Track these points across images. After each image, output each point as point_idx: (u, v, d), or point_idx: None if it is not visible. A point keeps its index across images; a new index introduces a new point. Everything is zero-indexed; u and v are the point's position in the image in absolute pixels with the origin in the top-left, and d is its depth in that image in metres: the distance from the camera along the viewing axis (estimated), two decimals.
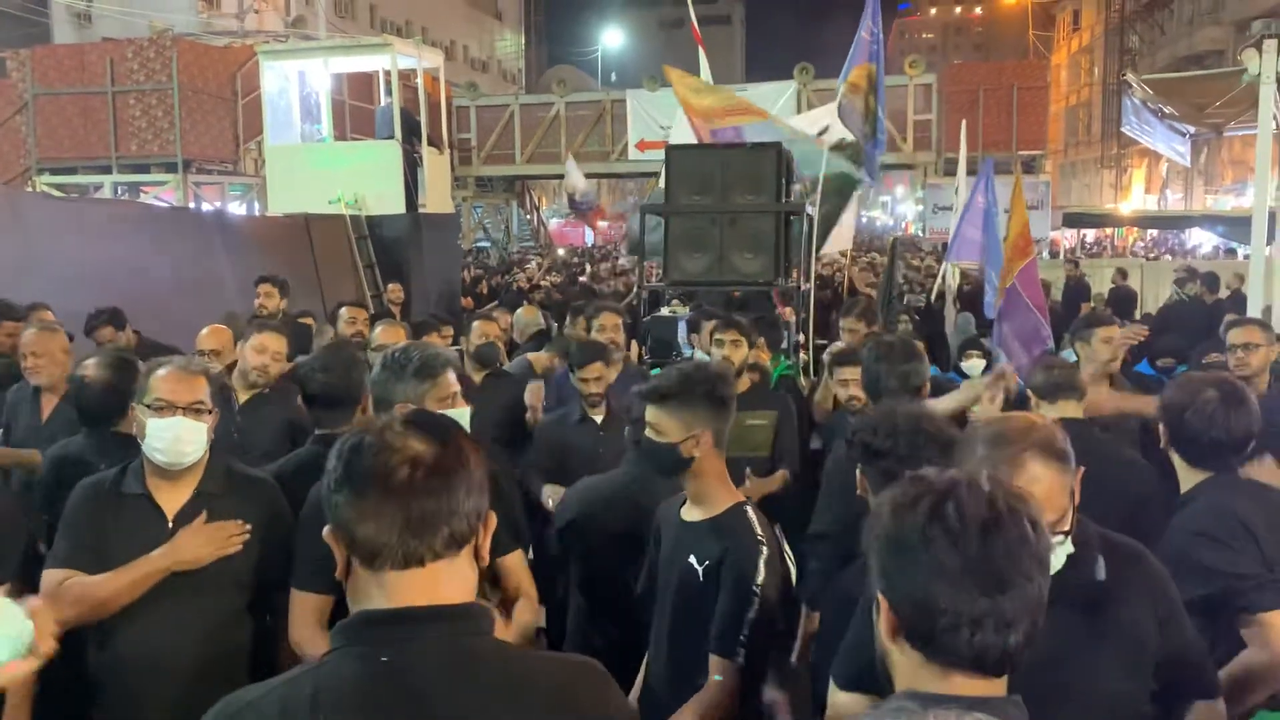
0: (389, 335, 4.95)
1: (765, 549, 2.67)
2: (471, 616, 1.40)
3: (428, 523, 1.36)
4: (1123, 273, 15.53)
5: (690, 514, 2.80)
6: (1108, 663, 2.01)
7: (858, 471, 2.66)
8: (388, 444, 1.38)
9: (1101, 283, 15.71)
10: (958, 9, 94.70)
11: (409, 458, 1.37)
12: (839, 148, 8.49)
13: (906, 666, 1.45)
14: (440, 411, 2.68)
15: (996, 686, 1.42)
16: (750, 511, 2.76)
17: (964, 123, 12.66)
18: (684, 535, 2.76)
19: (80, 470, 3.09)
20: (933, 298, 10.85)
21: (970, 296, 10.97)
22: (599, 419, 4.60)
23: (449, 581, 1.40)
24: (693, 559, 2.68)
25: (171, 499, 2.73)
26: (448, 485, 1.38)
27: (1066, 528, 1.97)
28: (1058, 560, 1.90)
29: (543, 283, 15.92)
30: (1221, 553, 2.54)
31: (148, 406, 2.72)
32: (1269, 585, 2.51)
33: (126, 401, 3.21)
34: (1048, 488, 1.95)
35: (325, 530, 1.42)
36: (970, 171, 13.58)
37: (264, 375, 4.48)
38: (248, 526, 2.72)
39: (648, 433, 2.74)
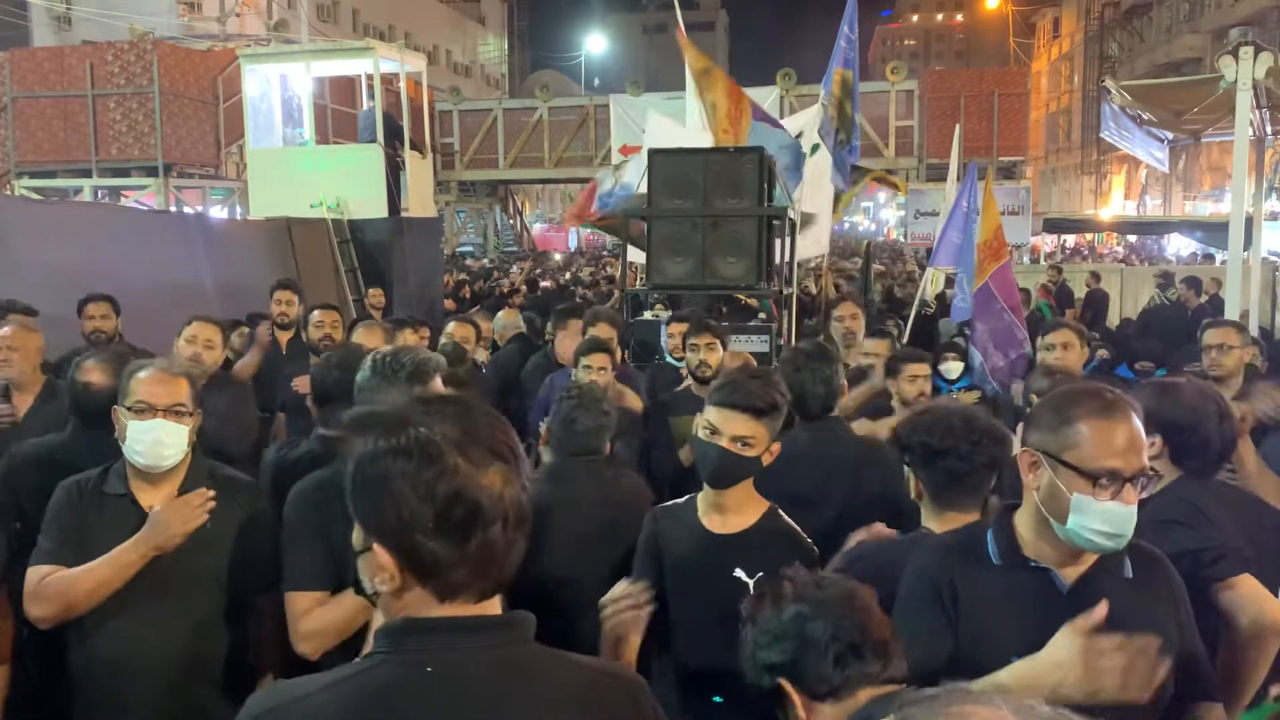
0: (368, 337, 4.90)
1: (815, 550, 2.76)
2: (515, 625, 1.41)
3: (509, 571, 1.38)
4: (1096, 276, 15.70)
5: (719, 524, 2.76)
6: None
7: (908, 474, 2.67)
8: (485, 491, 1.33)
9: (1080, 287, 15.84)
10: (939, 16, 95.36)
11: (503, 513, 1.34)
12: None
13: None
14: None
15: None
16: (781, 511, 2.81)
17: (957, 128, 12.68)
18: (718, 548, 2.71)
19: (70, 474, 3.06)
20: (916, 303, 10.89)
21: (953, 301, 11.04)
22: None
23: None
24: (740, 573, 2.65)
25: (153, 500, 2.71)
26: (524, 532, 1.38)
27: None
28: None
29: (523, 287, 15.93)
30: (1183, 533, 2.59)
31: (128, 409, 2.71)
32: (1229, 554, 2.57)
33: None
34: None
35: (381, 553, 1.34)
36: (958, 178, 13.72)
37: (198, 365, 4.38)
38: (211, 494, 2.69)
39: (726, 444, 2.68)
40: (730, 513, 2.76)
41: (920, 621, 2.13)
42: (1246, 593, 2.53)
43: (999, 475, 2.66)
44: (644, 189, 7.24)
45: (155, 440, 2.69)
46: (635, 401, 4.95)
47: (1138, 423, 2.00)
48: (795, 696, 1.66)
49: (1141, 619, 2.04)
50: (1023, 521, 2.13)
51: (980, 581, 2.10)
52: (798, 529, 2.79)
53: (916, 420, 2.75)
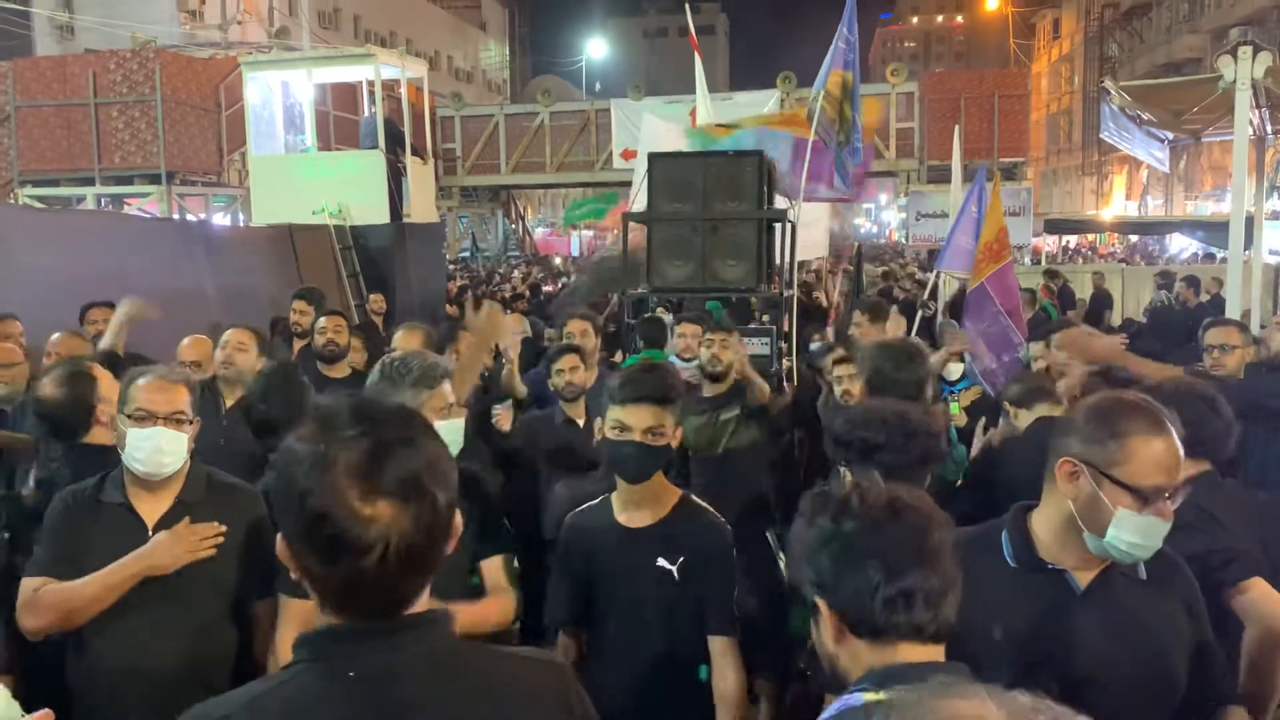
0: (408, 339, 4.91)
1: (729, 528, 2.82)
2: (433, 622, 1.39)
3: (396, 601, 1.35)
4: (1100, 276, 15.75)
5: (635, 519, 2.80)
6: (1148, 652, 2.06)
7: (842, 469, 2.71)
8: (358, 520, 1.28)
9: (1083, 288, 15.84)
10: (939, 18, 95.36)
11: (381, 548, 1.28)
12: None
13: (856, 661, 1.56)
14: (437, 421, 2.71)
15: (937, 653, 1.55)
16: (693, 496, 2.88)
17: (957, 129, 12.68)
18: (637, 541, 2.76)
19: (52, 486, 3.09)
20: (924, 305, 10.88)
21: (957, 304, 11.05)
22: (580, 422, 4.64)
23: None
24: (663, 561, 2.71)
25: (152, 508, 2.73)
26: (413, 569, 1.34)
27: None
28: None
29: (526, 292, 15.94)
30: (1192, 536, 2.59)
31: (128, 416, 2.72)
32: (1239, 557, 2.58)
33: (90, 413, 3.24)
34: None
35: (281, 547, 1.35)
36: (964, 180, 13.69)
37: (230, 368, 4.51)
38: (223, 528, 2.72)
39: (643, 437, 2.72)
40: (646, 506, 2.79)
41: None
42: (1259, 596, 2.53)
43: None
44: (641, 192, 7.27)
45: (155, 448, 2.70)
46: None
47: (1177, 436, 2.01)
48: (830, 619, 1.57)
49: (1155, 619, 2.07)
50: (1042, 524, 2.13)
51: (994, 581, 2.10)
52: (712, 511, 2.85)
53: (852, 416, 2.83)
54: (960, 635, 2.12)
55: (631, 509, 2.80)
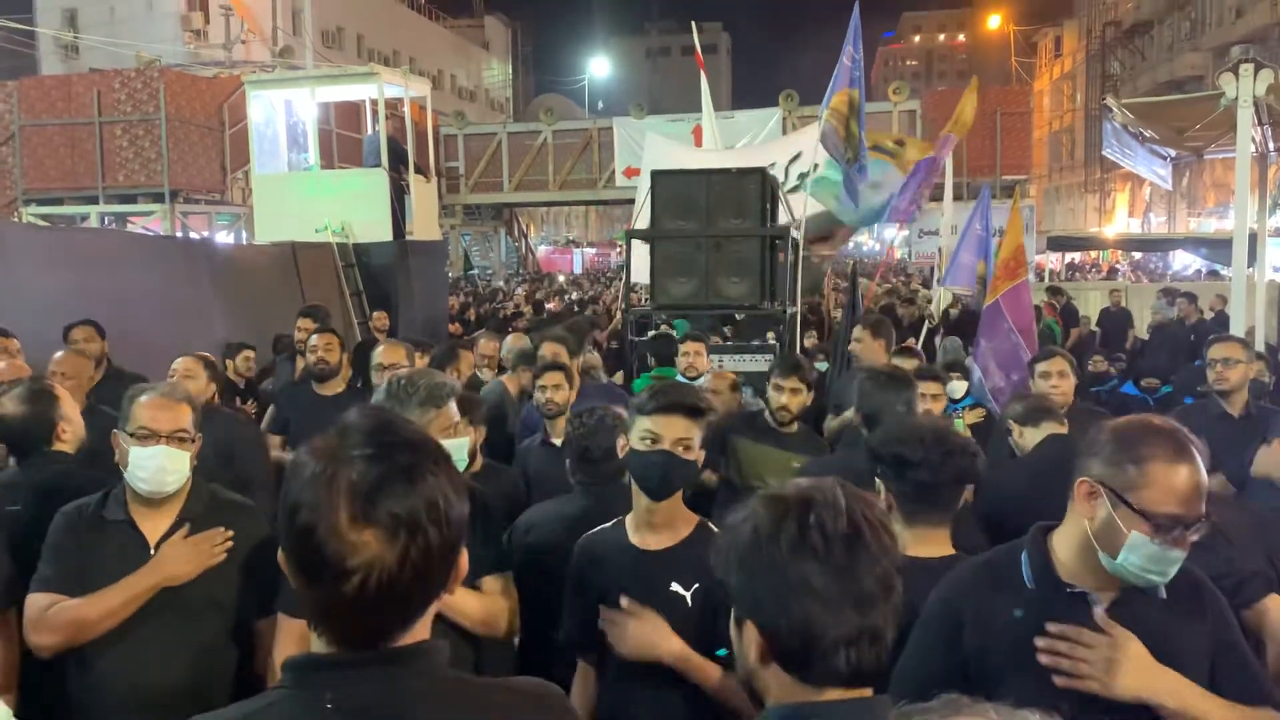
0: (392, 355, 4.90)
1: None
2: (421, 655, 1.35)
3: (374, 630, 1.32)
4: (1119, 293, 15.49)
5: (650, 541, 2.73)
6: (1185, 657, 2.04)
7: (880, 484, 2.67)
8: (344, 544, 1.25)
9: (1085, 305, 15.82)
10: (941, 36, 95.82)
11: (363, 574, 1.25)
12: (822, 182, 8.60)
13: (779, 686, 1.45)
14: (442, 440, 2.69)
15: (867, 690, 1.44)
16: (710, 524, 2.78)
17: (951, 146, 12.65)
18: (651, 565, 2.68)
19: (12, 497, 3.11)
20: (926, 320, 10.89)
21: (959, 321, 11.04)
22: (558, 442, 4.56)
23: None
24: (676, 587, 2.63)
25: (154, 525, 2.72)
26: (392, 600, 1.29)
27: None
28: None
29: (528, 309, 15.95)
30: (1203, 556, 2.57)
31: (130, 434, 2.71)
32: (1249, 578, 2.58)
33: (52, 430, 3.28)
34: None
35: (283, 558, 1.33)
36: (957, 197, 13.67)
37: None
38: (229, 533, 2.71)
39: (669, 447, 2.64)
40: (662, 529, 2.72)
41: (920, 639, 2.16)
42: (1276, 617, 2.52)
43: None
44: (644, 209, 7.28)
45: (158, 466, 2.70)
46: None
47: (1202, 468, 1.98)
48: (756, 643, 1.44)
49: (1175, 640, 2.04)
50: (1062, 544, 2.12)
51: (1010, 605, 2.08)
52: None
53: (889, 431, 2.79)
54: (976, 658, 2.11)
55: (646, 531, 2.73)
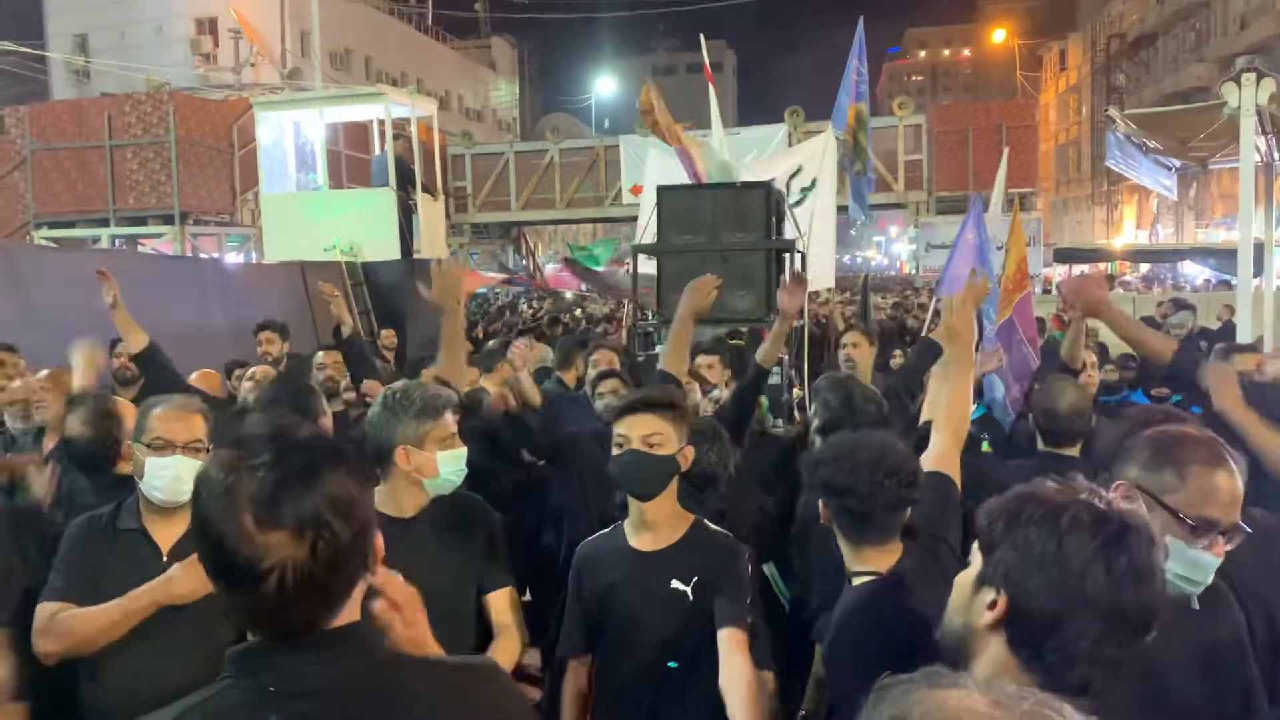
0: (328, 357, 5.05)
1: (744, 548, 2.80)
2: (354, 636, 1.41)
3: (298, 623, 1.37)
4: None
5: (648, 543, 2.77)
6: (1197, 682, 2.05)
7: (820, 502, 2.57)
8: (255, 547, 1.31)
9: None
10: (946, 51, 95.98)
11: (277, 575, 1.30)
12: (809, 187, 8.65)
13: (997, 660, 1.50)
14: (439, 452, 2.72)
15: None
16: (707, 521, 2.84)
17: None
18: (650, 564, 2.73)
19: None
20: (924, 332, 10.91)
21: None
22: None
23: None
24: (676, 583, 2.68)
25: (167, 534, 2.74)
26: (308, 597, 1.34)
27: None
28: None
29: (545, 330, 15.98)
30: None
31: (146, 445, 2.74)
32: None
33: (117, 448, 3.35)
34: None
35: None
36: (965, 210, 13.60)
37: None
38: None
39: (637, 445, 2.71)
40: (659, 529, 2.77)
41: None
42: None
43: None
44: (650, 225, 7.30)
45: (174, 476, 2.72)
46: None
47: (1239, 475, 1.99)
48: (1000, 614, 1.48)
49: (1206, 648, 2.05)
50: None
51: None
52: (727, 534, 2.81)
53: (825, 452, 2.63)
54: None
55: (644, 532, 2.78)
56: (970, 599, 1.56)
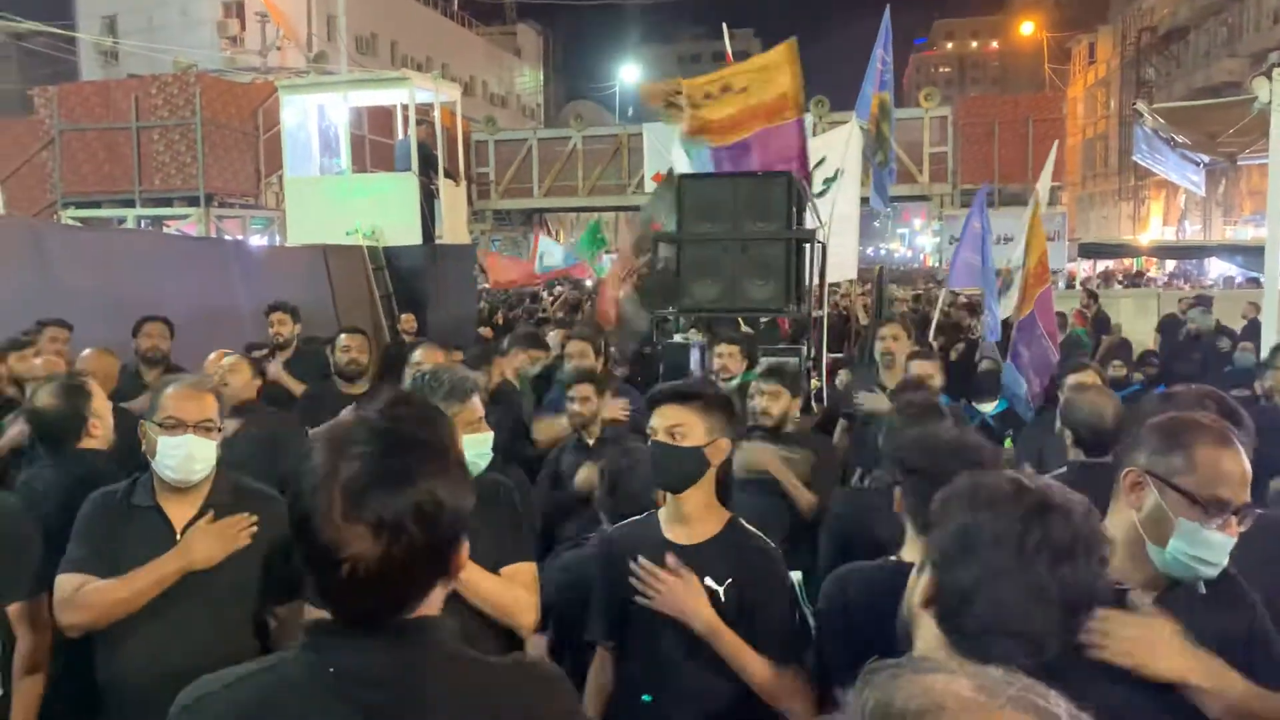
0: (428, 355, 5.05)
1: (780, 553, 2.75)
2: (424, 629, 1.42)
3: (367, 611, 1.39)
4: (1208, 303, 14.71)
5: (682, 536, 2.71)
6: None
7: (896, 491, 2.60)
8: (334, 532, 1.33)
9: (1118, 313, 15.66)
10: (974, 43, 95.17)
11: (351, 564, 1.33)
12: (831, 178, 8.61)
13: (930, 638, 1.55)
14: (465, 435, 2.73)
15: None
16: (743, 521, 2.77)
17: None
18: (683, 557, 2.63)
19: (42, 490, 3.25)
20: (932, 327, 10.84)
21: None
22: (590, 442, 4.68)
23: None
24: (710, 582, 2.61)
25: (180, 512, 2.78)
26: (376, 590, 1.36)
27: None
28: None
29: (557, 315, 15.97)
30: None
31: (159, 424, 2.77)
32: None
33: (82, 425, 3.40)
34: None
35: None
36: (989, 204, 13.47)
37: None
38: (254, 519, 2.75)
39: (661, 437, 2.67)
40: (693, 523, 2.71)
41: None
42: None
43: None
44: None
45: (186, 455, 2.76)
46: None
47: (1247, 457, 2.02)
48: (931, 624, 1.55)
49: (1216, 635, 2.04)
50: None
51: None
52: (762, 536, 2.76)
53: (907, 439, 2.75)
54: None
55: (677, 525, 2.73)
56: (914, 583, 1.63)
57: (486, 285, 18.45)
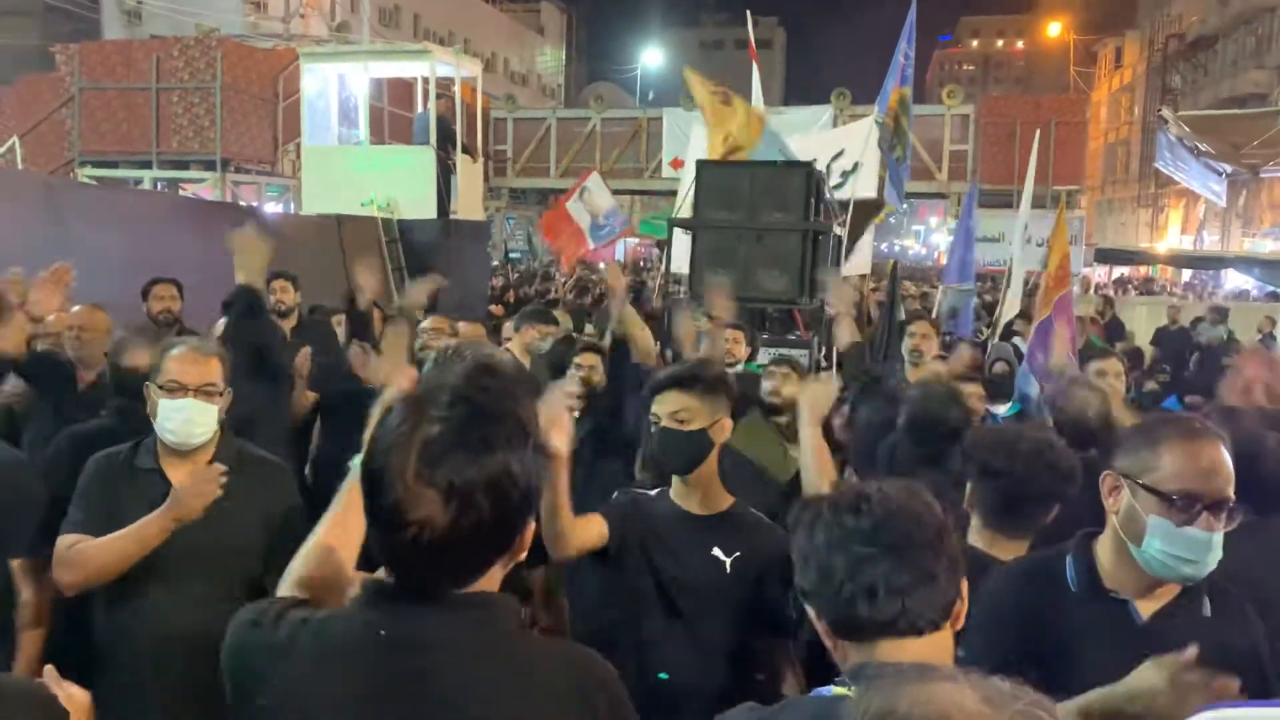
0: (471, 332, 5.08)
1: (785, 535, 2.78)
2: (481, 605, 1.41)
3: (428, 578, 1.40)
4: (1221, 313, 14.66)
5: (696, 507, 2.80)
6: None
7: (968, 485, 2.69)
8: (408, 495, 1.33)
9: (1133, 320, 15.58)
10: (999, 42, 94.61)
11: (418, 528, 1.33)
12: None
13: (845, 662, 1.55)
14: None
15: (924, 649, 1.48)
16: (749, 506, 2.87)
17: (1031, 158, 12.06)
18: (695, 529, 2.76)
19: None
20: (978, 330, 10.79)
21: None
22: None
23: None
24: (718, 552, 2.71)
25: (182, 474, 2.76)
26: (440, 559, 1.37)
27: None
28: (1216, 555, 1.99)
29: (567, 296, 15.93)
30: None
31: (160, 387, 2.77)
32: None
33: None
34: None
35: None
36: (1004, 204, 13.41)
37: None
38: (224, 469, 2.66)
39: (666, 423, 2.75)
40: (704, 497, 2.81)
41: (983, 643, 2.09)
42: None
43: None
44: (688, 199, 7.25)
45: (186, 419, 2.75)
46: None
47: (1224, 451, 1.99)
48: (818, 624, 1.57)
49: (1220, 656, 2.02)
50: (1103, 549, 2.13)
51: (1060, 608, 2.11)
52: (766, 519, 2.85)
53: (984, 436, 2.81)
54: (1019, 662, 2.09)
55: (689, 498, 2.82)
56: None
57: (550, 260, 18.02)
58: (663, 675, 2.69)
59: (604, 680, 1.53)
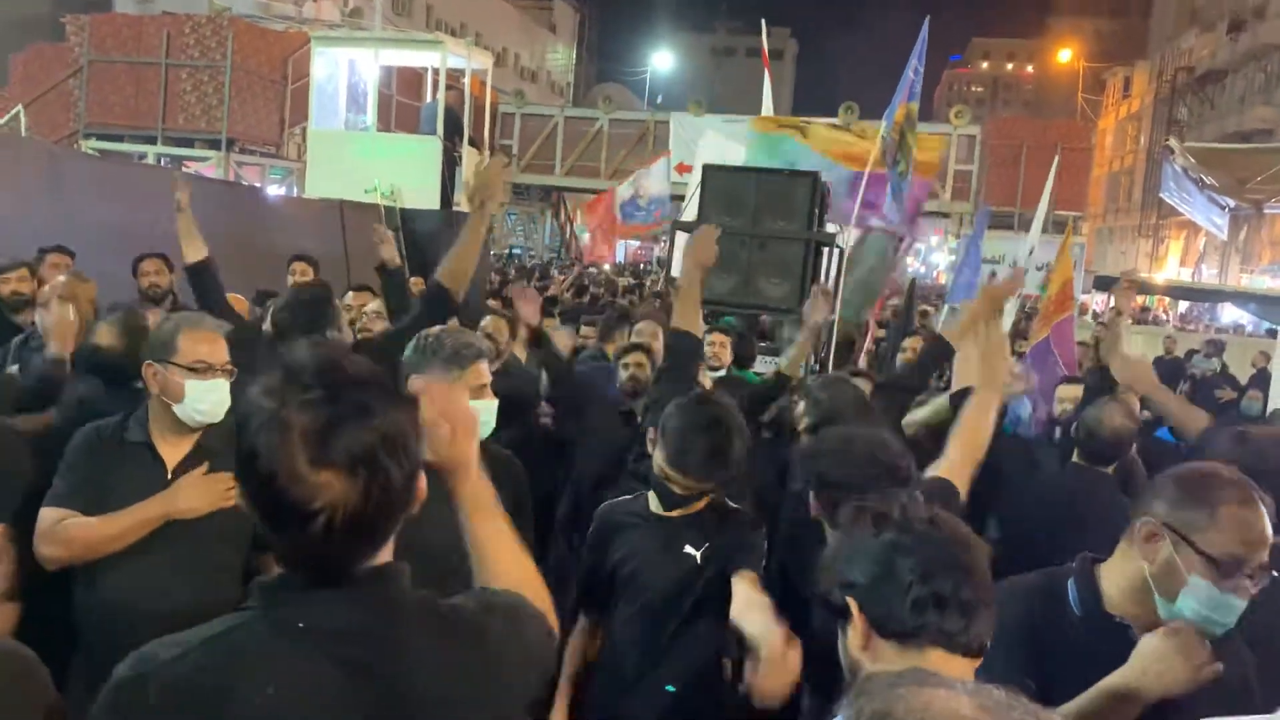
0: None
1: (761, 524, 2.87)
2: (387, 578, 1.38)
3: (344, 567, 1.36)
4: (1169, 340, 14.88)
5: (664, 510, 2.83)
6: (1217, 706, 1.99)
7: (810, 494, 2.62)
8: (306, 487, 1.27)
9: (1128, 349, 15.57)
10: (1009, 65, 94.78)
11: (326, 516, 1.28)
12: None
13: (880, 664, 1.53)
14: (470, 402, 2.69)
15: (968, 669, 1.51)
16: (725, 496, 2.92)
17: (1049, 181, 12.07)
18: (667, 529, 2.80)
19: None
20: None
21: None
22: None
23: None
24: (689, 549, 2.74)
25: (173, 450, 2.74)
26: (358, 539, 1.33)
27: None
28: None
29: (565, 295, 15.89)
30: None
31: (187, 369, 2.70)
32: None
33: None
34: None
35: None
36: (1007, 227, 13.41)
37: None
38: (233, 482, 2.69)
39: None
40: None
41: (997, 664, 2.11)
42: None
43: None
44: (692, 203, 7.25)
45: (219, 399, 2.72)
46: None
47: (1268, 518, 1.96)
48: (859, 621, 1.55)
49: (1213, 685, 1.99)
50: (1111, 579, 2.10)
51: (1062, 628, 2.10)
52: (744, 510, 2.90)
53: (819, 444, 2.77)
54: (1019, 679, 2.07)
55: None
56: (844, 637, 1.69)
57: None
58: (669, 688, 2.73)
59: (529, 622, 1.56)
